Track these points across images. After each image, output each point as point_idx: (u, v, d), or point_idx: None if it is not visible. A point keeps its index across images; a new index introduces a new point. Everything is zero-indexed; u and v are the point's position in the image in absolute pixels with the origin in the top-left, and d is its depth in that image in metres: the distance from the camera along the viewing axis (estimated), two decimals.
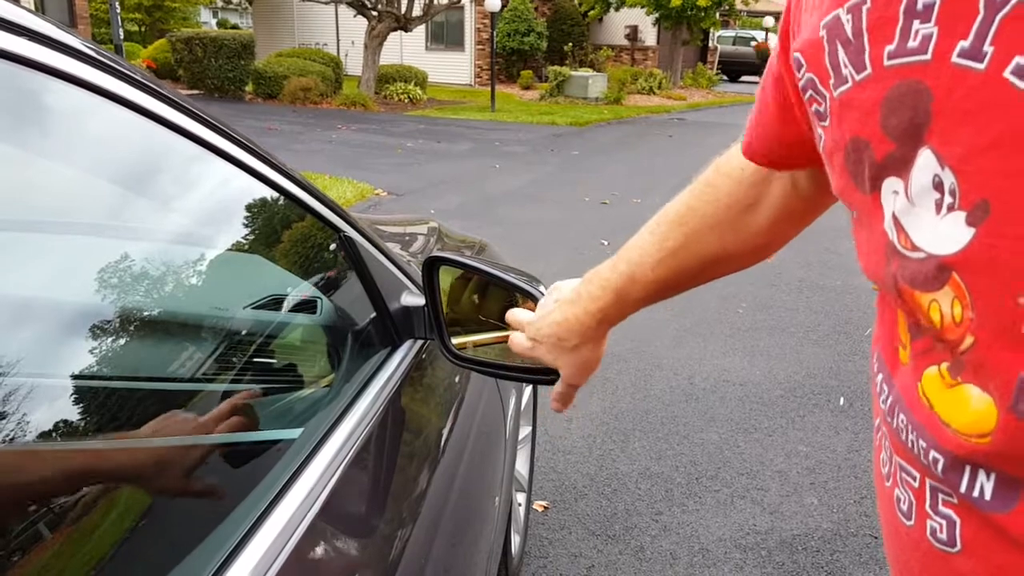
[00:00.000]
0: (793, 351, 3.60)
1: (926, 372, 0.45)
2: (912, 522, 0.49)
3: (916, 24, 0.39)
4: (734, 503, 2.37)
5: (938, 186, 0.39)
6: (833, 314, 4.10)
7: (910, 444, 0.47)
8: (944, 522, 0.46)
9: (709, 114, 15.51)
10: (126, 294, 0.65)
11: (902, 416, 0.48)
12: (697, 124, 13.57)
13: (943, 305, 0.41)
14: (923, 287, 0.42)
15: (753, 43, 24.97)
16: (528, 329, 0.80)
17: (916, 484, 0.48)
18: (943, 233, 0.40)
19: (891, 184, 0.43)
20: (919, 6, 0.39)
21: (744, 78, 25.93)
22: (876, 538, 2.21)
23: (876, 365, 0.53)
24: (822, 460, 2.64)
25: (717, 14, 19.67)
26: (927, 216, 0.41)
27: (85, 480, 0.55)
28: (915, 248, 0.42)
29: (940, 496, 0.46)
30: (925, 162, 0.40)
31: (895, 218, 0.43)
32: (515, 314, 0.83)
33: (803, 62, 0.48)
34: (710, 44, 24.28)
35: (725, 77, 25.16)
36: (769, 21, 21.97)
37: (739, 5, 20.38)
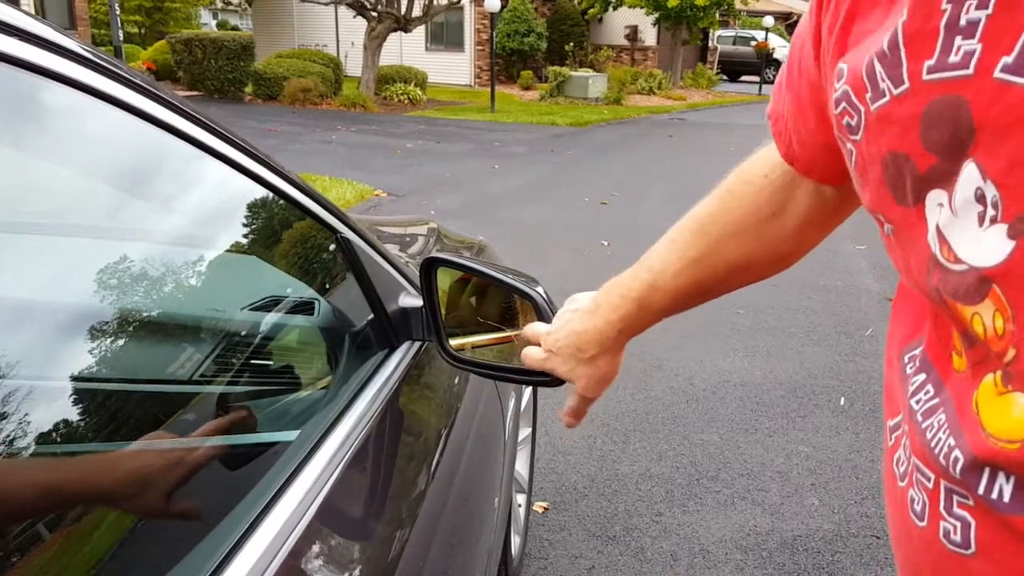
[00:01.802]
0: (794, 351, 3.59)
1: (983, 380, 0.45)
2: (925, 523, 0.49)
3: (958, 40, 0.39)
4: (735, 504, 2.37)
5: (980, 199, 0.40)
6: (834, 314, 4.10)
7: (935, 443, 0.47)
8: (958, 524, 0.46)
9: (709, 114, 15.52)
10: (123, 296, 0.65)
11: (943, 416, 0.48)
12: (697, 124, 13.57)
13: (985, 318, 0.41)
14: (965, 299, 0.42)
15: (753, 43, 24.94)
16: (545, 340, 0.79)
17: (930, 485, 0.48)
18: (985, 245, 0.40)
19: (936, 196, 0.43)
20: (962, 22, 0.39)
21: (744, 78, 25.93)
22: (878, 539, 2.21)
23: (916, 367, 0.52)
24: (823, 461, 2.63)
25: (716, 14, 19.66)
26: (970, 228, 0.41)
27: (77, 495, 0.55)
28: (958, 260, 0.42)
29: (955, 497, 0.46)
30: (969, 175, 0.40)
31: (939, 230, 0.43)
32: (533, 327, 0.82)
33: (845, 73, 0.48)
34: (710, 44, 24.27)
35: (725, 77, 25.14)
36: (769, 21, 21.94)
37: (739, 5, 20.38)
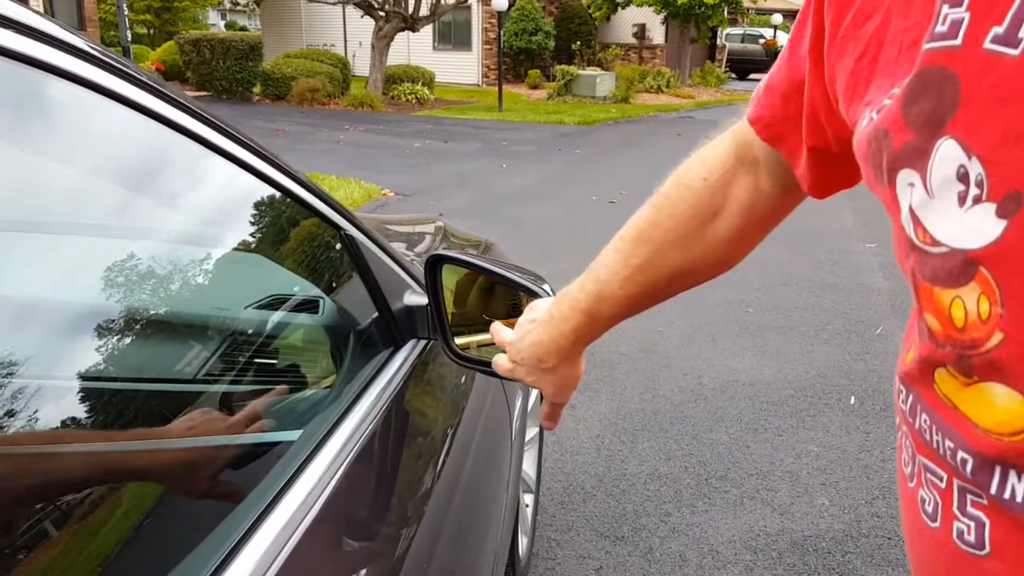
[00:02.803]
0: (803, 350, 3.57)
1: (936, 373, 0.44)
2: (938, 524, 0.47)
3: (945, 8, 0.37)
4: (744, 504, 2.35)
5: (963, 177, 0.38)
6: (843, 313, 4.07)
7: (935, 445, 0.46)
8: (972, 524, 0.44)
9: (718, 112, 15.46)
10: (128, 294, 0.65)
11: (925, 417, 0.46)
12: (706, 122, 13.53)
13: (968, 302, 0.39)
14: (945, 283, 0.40)
15: (761, 41, 24.87)
16: (509, 350, 0.80)
17: (943, 485, 0.46)
18: (970, 226, 0.38)
19: (906, 176, 0.41)
20: None
21: (753, 76, 25.83)
22: (889, 539, 2.19)
23: (898, 366, 0.52)
24: (833, 460, 2.61)
25: (725, 12, 19.60)
26: (949, 209, 0.39)
27: (89, 481, 0.55)
28: (935, 243, 0.40)
29: (969, 497, 0.44)
30: (947, 152, 0.38)
31: (912, 211, 0.41)
32: (497, 331, 0.83)
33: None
34: (718, 42, 24.19)
35: (734, 75, 25.07)
36: (777, 18, 21.88)
37: (747, 3, 20.32)
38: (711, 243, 0.70)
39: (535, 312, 0.79)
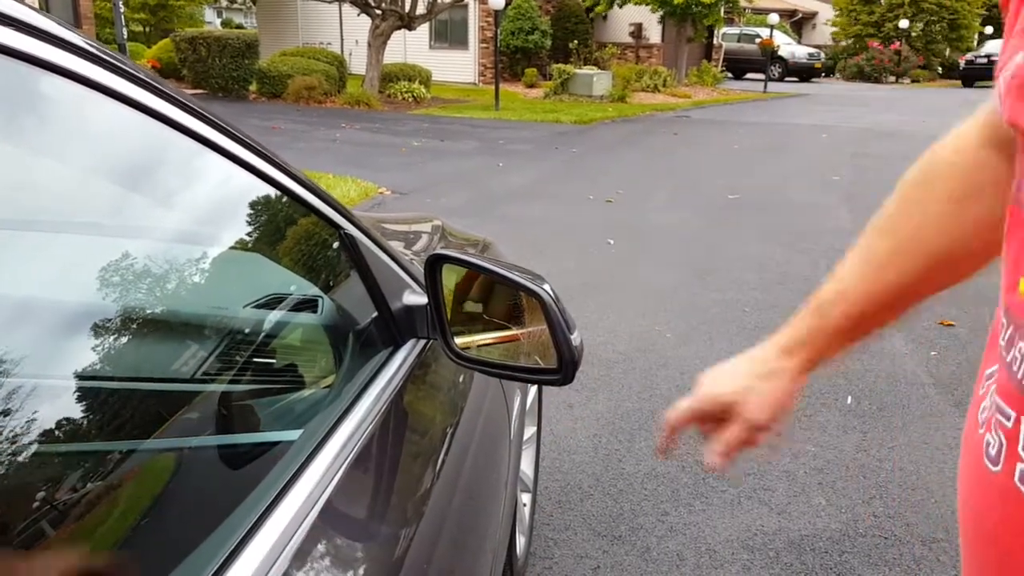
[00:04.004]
0: None
1: None
2: (999, 467, 0.48)
3: None
4: (741, 503, 2.35)
5: None
6: None
7: (1020, 373, 0.46)
8: None
9: (714, 111, 15.47)
10: (125, 293, 0.64)
11: (1021, 344, 0.46)
12: (703, 122, 13.54)
13: None
14: None
15: (758, 40, 24.88)
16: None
17: (1010, 424, 0.47)
18: None
19: None
20: None
21: (749, 75, 25.87)
22: (886, 539, 2.19)
23: (1001, 310, 0.51)
24: (830, 460, 2.62)
25: (721, 11, 19.61)
26: None
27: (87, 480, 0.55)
28: None
29: None
30: None
31: None
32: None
33: None
34: (715, 41, 24.21)
35: (730, 74, 25.10)
36: (774, 18, 21.88)
37: (743, 2, 20.33)
38: (972, 226, 0.64)
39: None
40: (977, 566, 0.54)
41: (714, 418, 0.76)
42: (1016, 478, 0.46)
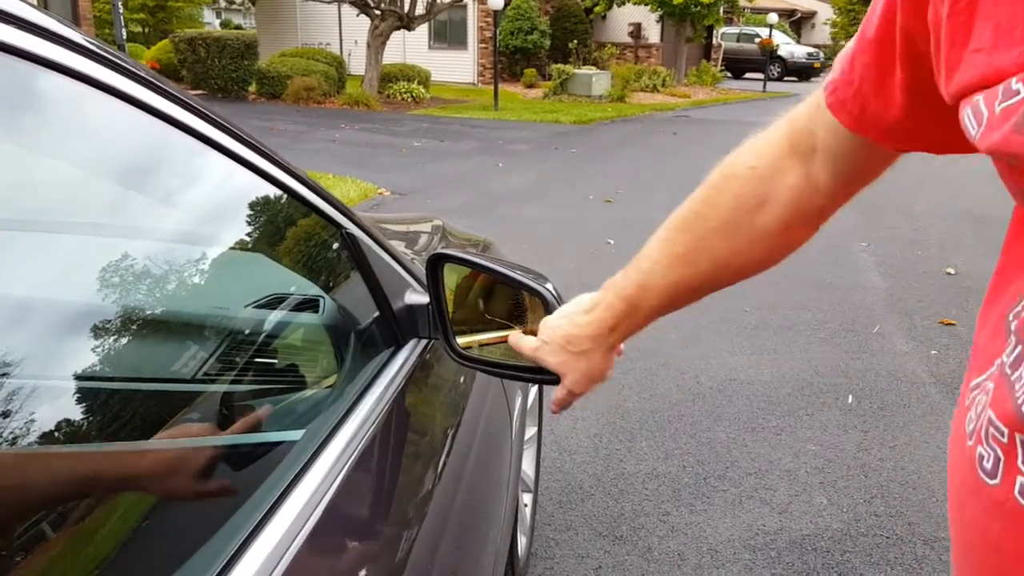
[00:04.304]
0: (800, 349, 3.57)
1: None
2: (997, 480, 0.47)
3: None
4: (742, 503, 2.35)
5: None
6: (840, 312, 4.08)
7: (1021, 395, 0.46)
8: None
9: (714, 111, 15.48)
10: (125, 293, 0.64)
11: None
12: (702, 121, 13.54)
13: None
14: None
15: (757, 40, 24.90)
16: (541, 328, 0.81)
17: (1005, 440, 0.47)
18: None
19: None
20: None
21: (748, 75, 25.87)
22: (887, 538, 2.19)
23: (999, 326, 0.51)
24: (831, 459, 2.61)
25: (720, 11, 19.61)
26: None
27: (90, 484, 0.54)
28: None
29: None
30: None
31: None
32: (545, 322, 0.83)
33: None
34: (714, 41, 24.22)
35: (729, 74, 25.10)
36: (773, 18, 21.89)
37: (743, 2, 20.33)
38: (755, 235, 0.69)
39: (578, 303, 0.80)
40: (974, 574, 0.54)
41: None
42: (1016, 491, 0.46)
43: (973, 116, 0.45)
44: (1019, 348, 0.48)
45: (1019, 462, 0.46)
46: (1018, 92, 0.41)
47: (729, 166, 0.70)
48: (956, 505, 0.54)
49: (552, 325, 0.79)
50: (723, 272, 0.72)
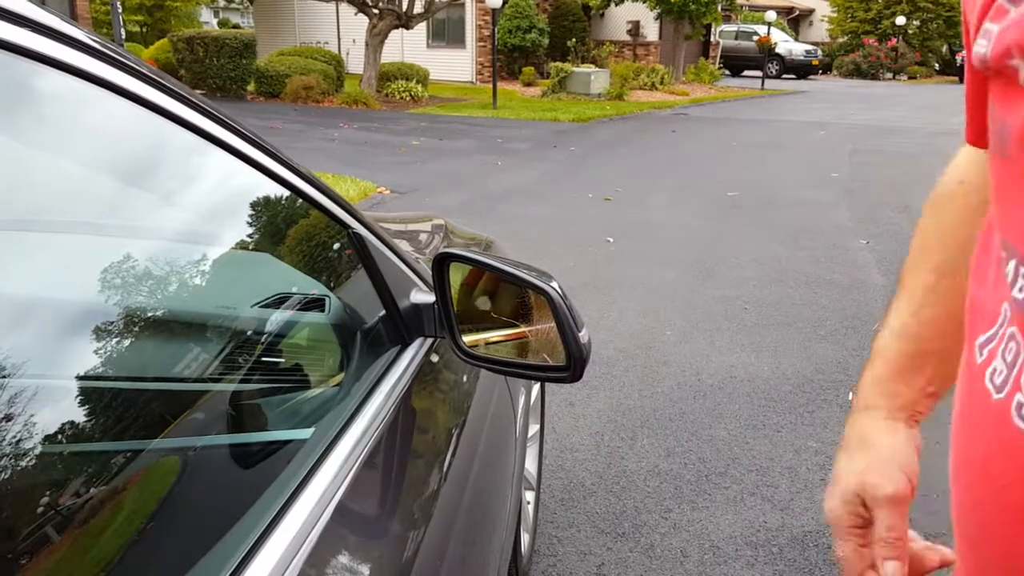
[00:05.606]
0: (801, 346, 3.58)
1: None
2: (1003, 395, 0.49)
3: None
4: (744, 500, 2.36)
5: None
6: (840, 309, 4.08)
7: None
8: None
9: (712, 109, 15.47)
10: (131, 293, 0.64)
11: None
12: (700, 119, 13.54)
13: None
14: None
15: (755, 38, 24.89)
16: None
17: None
18: None
19: None
20: None
21: (747, 73, 25.87)
22: None
23: (1004, 255, 0.52)
24: (832, 456, 2.61)
25: (719, 9, 19.60)
26: None
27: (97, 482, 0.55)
28: None
29: None
30: None
31: None
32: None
33: None
34: (712, 39, 24.20)
35: (728, 72, 25.09)
36: (771, 16, 21.86)
37: (741, 0, 20.29)
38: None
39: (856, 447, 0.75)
40: (970, 500, 0.54)
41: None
42: (1013, 407, 0.47)
43: (984, 38, 0.47)
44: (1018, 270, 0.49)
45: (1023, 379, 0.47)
46: None
47: (938, 189, 0.70)
48: (962, 417, 0.55)
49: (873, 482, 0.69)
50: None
